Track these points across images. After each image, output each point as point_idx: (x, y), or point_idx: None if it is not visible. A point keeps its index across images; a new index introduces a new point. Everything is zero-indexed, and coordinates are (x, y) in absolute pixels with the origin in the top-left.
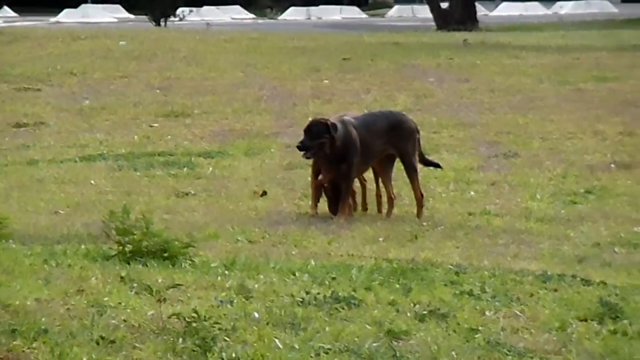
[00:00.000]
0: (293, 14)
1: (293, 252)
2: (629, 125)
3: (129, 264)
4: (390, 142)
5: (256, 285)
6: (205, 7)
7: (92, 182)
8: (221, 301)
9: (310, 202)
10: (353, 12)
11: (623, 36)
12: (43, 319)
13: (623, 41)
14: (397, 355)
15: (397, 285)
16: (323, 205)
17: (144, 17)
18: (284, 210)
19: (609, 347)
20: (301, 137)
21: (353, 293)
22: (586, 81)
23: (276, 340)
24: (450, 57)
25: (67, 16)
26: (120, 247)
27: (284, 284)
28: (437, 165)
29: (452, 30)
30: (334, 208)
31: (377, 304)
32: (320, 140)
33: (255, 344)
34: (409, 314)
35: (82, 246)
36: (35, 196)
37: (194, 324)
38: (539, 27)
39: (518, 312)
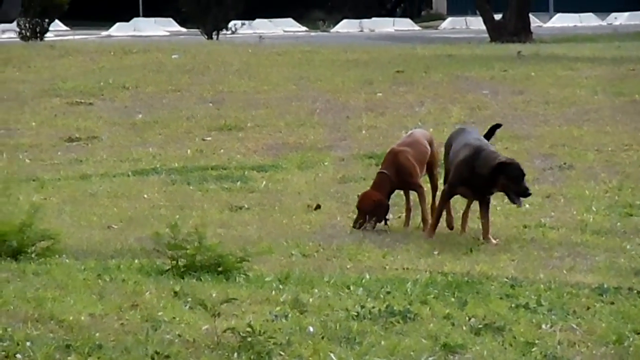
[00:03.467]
0: (345, 26)
1: (347, 266)
2: None
3: (182, 278)
4: None
5: (311, 300)
6: (257, 20)
7: (145, 196)
8: (276, 315)
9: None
10: (406, 24)
11: None
12: (97, 334)
13: None
14: None
15: (453, 299)
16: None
17: (196, 30)
18: (338, 223)
19: None
20: (354, 149)
21: (408, 307)
22: None
23: (331, 355)
24: (504, 69)
25: (119, 30)
26: (174, 262)
27: (338, 298)
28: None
29: (505, 42)
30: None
31: (432, 318)
32: None
33: (310, 359)
34: (464, 328)
35: (136, 261)
36: (88, 211)
37: (249, 339)
38: (594, 39)
39: (574, 326)
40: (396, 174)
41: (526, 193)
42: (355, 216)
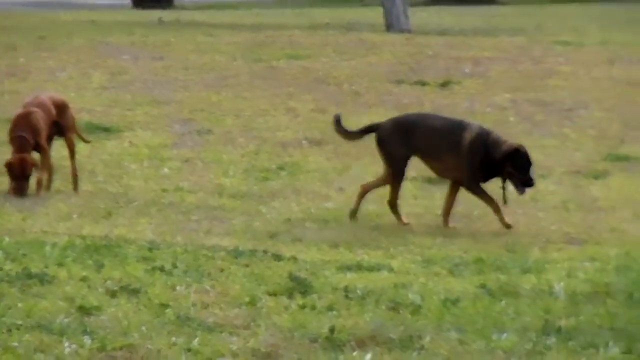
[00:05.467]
0: None
1: None
2: (320, 103)
3: None
4: None
5: None
6: None
7: None
8: None
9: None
10: None
11: (315, 15)
12: None
13: (315, 19)
14: (88, 330)
15: (90, 262)
16: None
17: None
18: None
19: (297, 321)
20: None
21: (45, 269)
22: (279, 59)
23: None
24: (145, 35)
25: None
26: None
27: None
28: None
29: (147, 8)
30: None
31: (69, 280)
32: None
33: None
34: (100, 290)
35: None
36: None
37: None
38: (234, 6)
39: (209, 288)
40: (32, 134)
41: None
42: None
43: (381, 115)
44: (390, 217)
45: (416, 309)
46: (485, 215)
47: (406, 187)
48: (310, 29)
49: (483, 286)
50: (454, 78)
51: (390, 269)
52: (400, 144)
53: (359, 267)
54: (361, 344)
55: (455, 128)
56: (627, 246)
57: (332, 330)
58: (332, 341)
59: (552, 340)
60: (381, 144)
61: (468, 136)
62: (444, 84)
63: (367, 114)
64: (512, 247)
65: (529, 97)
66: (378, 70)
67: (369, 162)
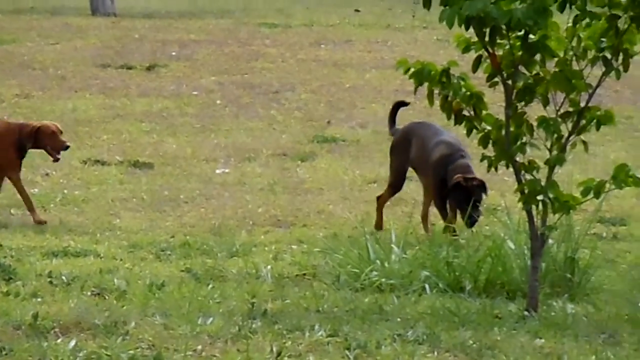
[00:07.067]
0: None
1: None
2: (25, 88)
3: None
4: None
5: None
6: None
7: None
8: None
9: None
10: None
11: None
12: None
13: (19, 3)
14: None
15: None
16: None
17: None
18: None
19: (0, 309)
20: None
21: None
22: None
23: None
24: None
25: None
26: None
27: None
28: None
29: None
30: None
31: None
32: None
33: None
34: None
35: None
36: None
37: None
38: None
39: None
40: None
41: None
42: None
43: (87, 100)
44: (96, 202)
45: (121, 294)
46: (193, 199)
47: (111, 171)
48: (14, 13)
49: (189, 270)
50: (160, 61)
51: (97, 255)
52: (403, 154)
53: (65, 253)
54: (65, 331)
55: (431, 144)
56: (334, 228)
57: (35, 317)
58: (36, 328)
59: (258, 323)
60: (390, 152)
61: (435, 155)
62: (150, 67)
63: (72, 98)
64: (219, 230)
65: (236, 79)
66: (84, 54)
67: (75, 147)
